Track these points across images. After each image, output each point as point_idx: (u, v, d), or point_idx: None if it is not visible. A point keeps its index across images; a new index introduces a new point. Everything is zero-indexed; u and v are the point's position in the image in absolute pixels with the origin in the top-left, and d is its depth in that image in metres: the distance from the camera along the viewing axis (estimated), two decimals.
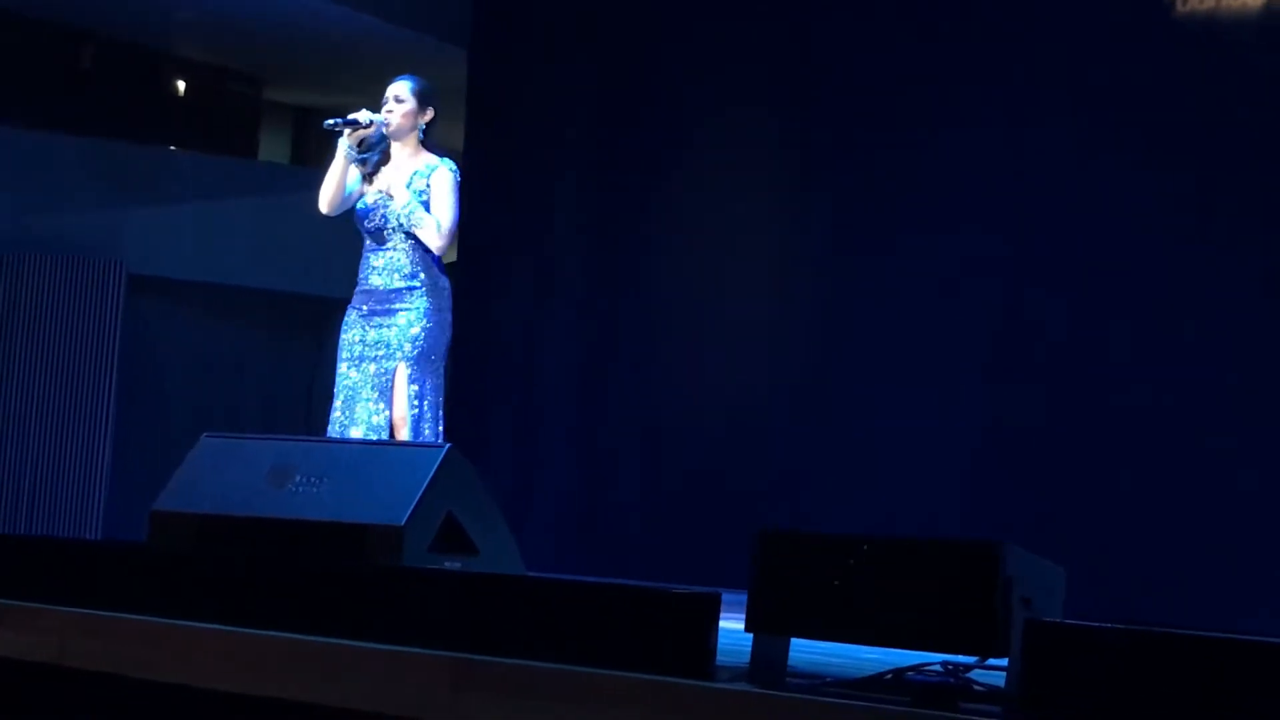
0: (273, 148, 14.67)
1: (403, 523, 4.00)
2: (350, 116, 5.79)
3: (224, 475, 4.37)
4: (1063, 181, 7.66)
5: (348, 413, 5.69)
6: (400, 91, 5.85)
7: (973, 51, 8.00)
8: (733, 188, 8.86)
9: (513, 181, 9.21)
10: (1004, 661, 2.96)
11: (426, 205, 5.76)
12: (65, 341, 9.83)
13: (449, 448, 4.31)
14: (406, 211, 5.71)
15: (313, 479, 4.25)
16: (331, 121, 5.83)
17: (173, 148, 12.94)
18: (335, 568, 3.76)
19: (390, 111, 5.81)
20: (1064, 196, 7.66)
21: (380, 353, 5.68)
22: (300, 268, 11.38)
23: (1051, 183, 7.69)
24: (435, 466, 4.17)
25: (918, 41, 8.18)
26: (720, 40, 8.93)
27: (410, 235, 5.74)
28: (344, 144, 5.79)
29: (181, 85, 13.60)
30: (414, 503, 4.06)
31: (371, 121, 5.79)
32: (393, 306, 5.71)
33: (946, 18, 8.13)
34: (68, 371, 9.80)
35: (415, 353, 5.67)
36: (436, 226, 5.72)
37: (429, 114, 5.87)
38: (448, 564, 4.13)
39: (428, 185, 5.78)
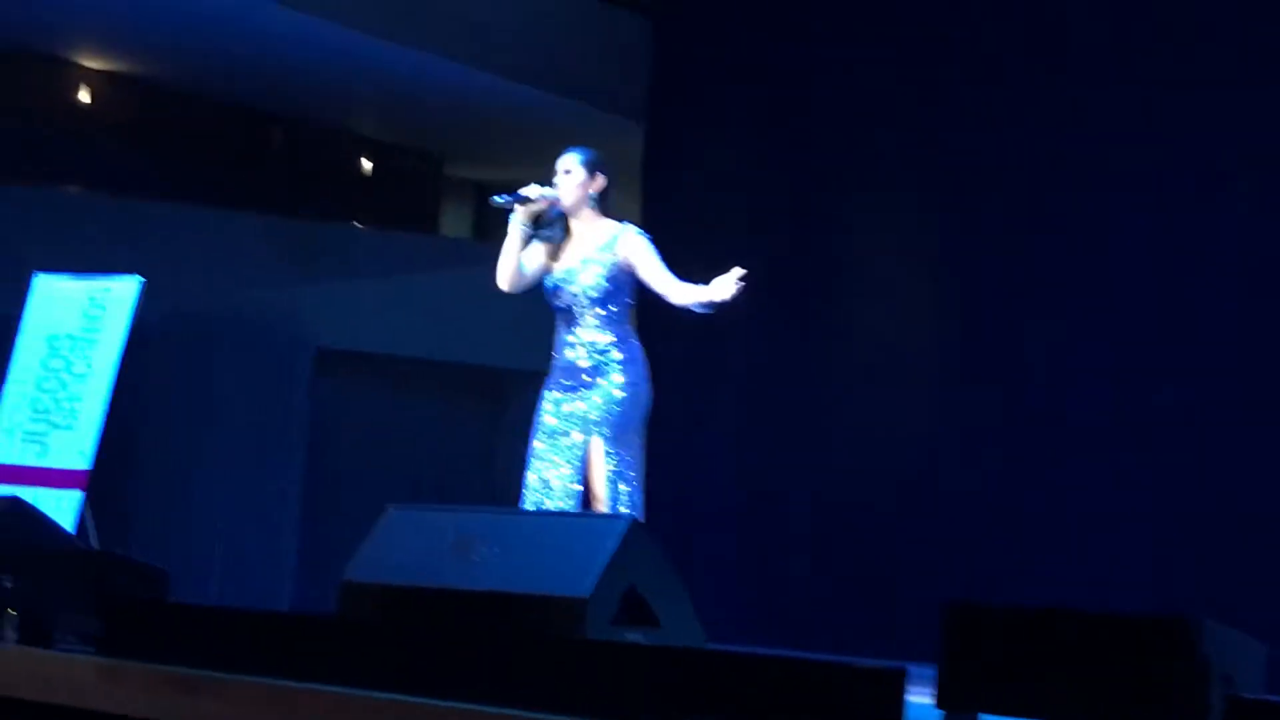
0: (454, 222, 14.92)
1: (586, 594, 4.01)
2: (520, 192, 5.70)
3: (410, 546, 4.42)
4: (1254, 235, 7.51)
5: (543, 487, 5.63)
6: (568, 164, 5.76)
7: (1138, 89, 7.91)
8: (907, 262, 8.82)
9: (689, 255, 9.23)
10: None
11: (613, 275, 5.67)
12: (254, 415, 10.05)
13: (631, 518, 4.31)
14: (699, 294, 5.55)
15: (497, 549, 4.28)
16: (500, 199, 5.73)
17: (357, 224, 13.22)
18: (520, 639, 3.77)
19: (560, 185, 5.75)
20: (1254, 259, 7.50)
21: (576, 426, 5.62)
22: (481, 340, 11.51)
23: (1239, 240, 7.54)
24: (618, 538, 4.17)
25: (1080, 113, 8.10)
26: (898, 115, 8.91)
27: (603, 308, 5.67)
28: (516, 220, 5.71)
29: (365, 163, 13.91)
30: (597, 574, 4.06)
31: (542, 196, 5.70)
32: (590, 381, 5.63)
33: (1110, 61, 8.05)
34: (257, 445, 10.01)
35: (612, 426, 5.59)
36: (678, 288, 5.60)
37: (599, 181, 5.76)
38: (630, 636, 4.12)
39: (615, 255, 5.69)
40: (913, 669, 3.25)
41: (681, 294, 5.62)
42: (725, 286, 5.49)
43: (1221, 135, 7.68)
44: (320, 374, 10.36)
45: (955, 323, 8.56)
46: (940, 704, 3.08)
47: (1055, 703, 2.96)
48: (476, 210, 15.14)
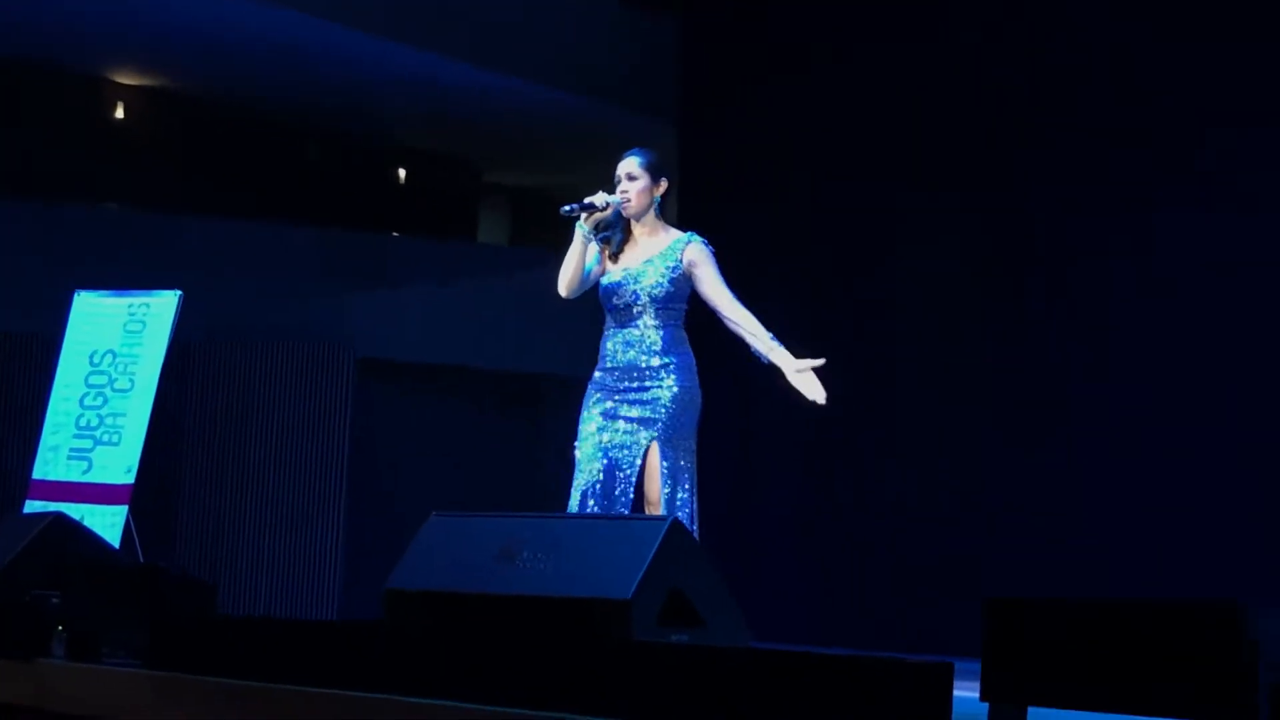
0: (491, 229, 14.96)
1: (629, 596, 4.00)
2: (586, 200, 5.66)
3: (454, 552, 4.43)
4: None
5: (593, 491, 5.58)
6: (631, 168, 5.71)
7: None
8: (951, 260, 8.78)
9: (727, 254, 9.23)
10: None
11: (675, 279, 5.64)
12: (298, 424, 10.10)
13: (672, 520, 4.30)
14: (763, 343, 5.56)
15: (539, 554, 4.28)
16: (568, 208, 5.67)
17: (395, 233, 13.27)
18: (565, 643, 3.77)
19: (625, 191, 5.69)
20: None
21: (630, 431, 5.57)
22: (520, 346, 11.55)
23: None
24: (659, 539, 4.16)
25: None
26: (935, 107, 8.88)
27: (659, 312, 5.64)
28: (580, 228, 5.66)
29: (402, 173, 13.96)
30: (639, 576, 4.05)
31: (608, 204, 5.67)
32: (644, 384, 5.59)
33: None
34: (302, 453, 10.06)
35: (667, 431, 5.54)
36: (736, 311, 5.61)
37: (663, 186, 5.73)
38: (675, 637, 4.11)
39: (680, 261, 5.67)
40: (964, 665, 3.23)
41: (740, 320, 5.61)
42: (806, 380, 5.51)
43: None
44: (362, 383, 10.39)
45: (1002, 322, 8.52)
46: (984, 697, 3.06)
47: (1100, 693, 2.94)
48: (513, 216, 15.18)
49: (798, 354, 5.40)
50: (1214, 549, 7.38)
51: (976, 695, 3.11)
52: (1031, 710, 3.10)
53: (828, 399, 5.21)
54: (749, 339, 5.61)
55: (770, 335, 5.59)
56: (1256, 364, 7.50)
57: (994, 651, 3.05)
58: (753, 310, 5.63)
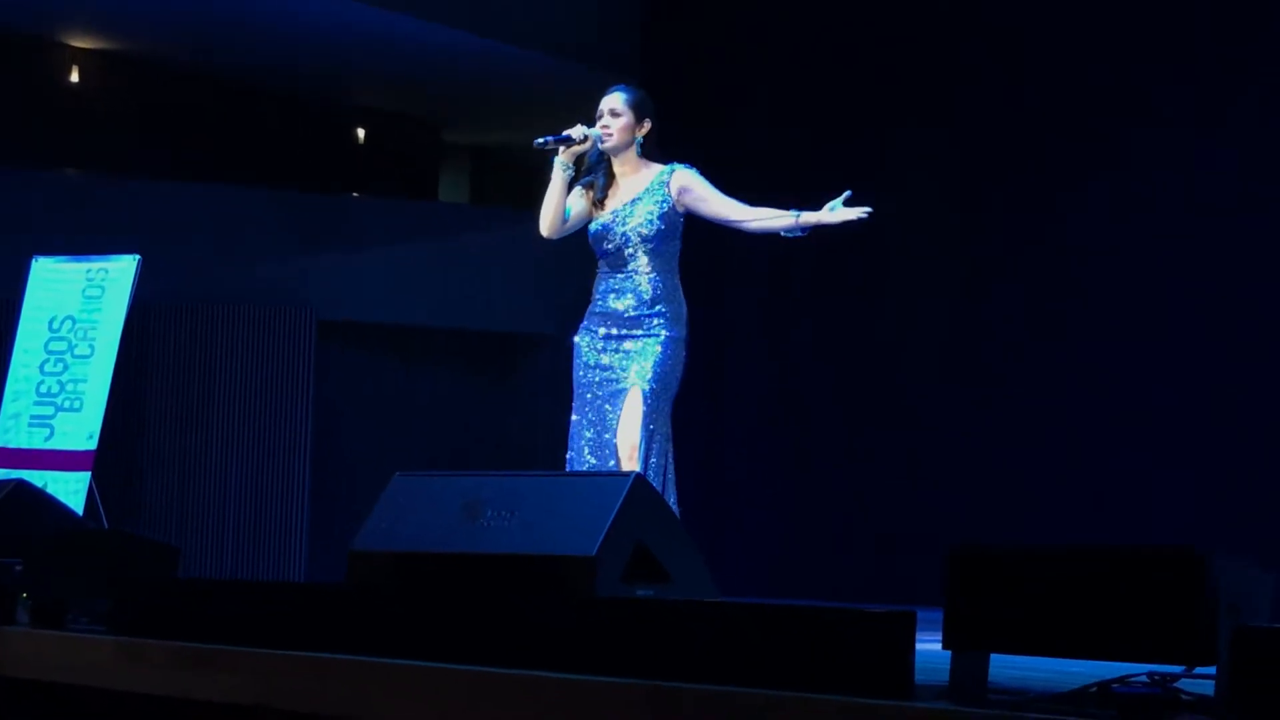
0: (452, 189, 14.89)
1: (594, 553, 4.01)
2: (564, 133, 5.49)
3: (418, 512, 4.42)
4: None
5: (589, 438, 5.49)
6: (615, 104, 5.55)
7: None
8: (919, 221, 8.78)
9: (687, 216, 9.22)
10: (1212, 670, 2.88)
11: (665, 214, 5.48)
12: (261, 389, 10.07)
13: (636, 476, 4.30)
14: (789, 220, 5.38)
15: (504, 512, 4.28)
16: (541, 140, 5.51)
17: (355, 194, 13.19)
18: (530, 600, 3.78)
19: (606, 126, 5.53)
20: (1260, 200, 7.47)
21: (615, 378, 5.47)
22: (483, 306, 11.52)
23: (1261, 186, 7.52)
24: (623, 495, 4.16)
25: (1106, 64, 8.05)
26: (897, 67, 8.86)
27: (651, 257, 5.47)
28: (559, 163, 5.50)
29: (361, 133, 13.87)
30: (604, 532, 4.05)
31: (586, 136, 5.49)
32: (633, 333, 5.47)
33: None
34: (265, 418, 10.03)
35: (651, 383, 5.41)
36: (754, 213, 5.43)
37: (646, 126, 5.56)
38: (640, 592, 4.12)
39: (667, 194, 5.50)
40: (929, 615, 3.25)
41: (759, 218, 5.44)
42: (844, 215, 5.34)
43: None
44: (324, 345, 10.36)
45: (968, 274, 8.55)
46: (946, 645, 3.08)
47: (1062, 638, 2.96)
48: (473, 175, 15.11)
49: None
50: (1178, 498, 7.43)
51: (939, 645, 3.13)
52: (994, 657, 3.12)
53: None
54: (779, 227, 5.43)
55: (793, 211, 5.40)
56: (1224, 315, 7.55)
57: (956, 599, 3.07)
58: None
